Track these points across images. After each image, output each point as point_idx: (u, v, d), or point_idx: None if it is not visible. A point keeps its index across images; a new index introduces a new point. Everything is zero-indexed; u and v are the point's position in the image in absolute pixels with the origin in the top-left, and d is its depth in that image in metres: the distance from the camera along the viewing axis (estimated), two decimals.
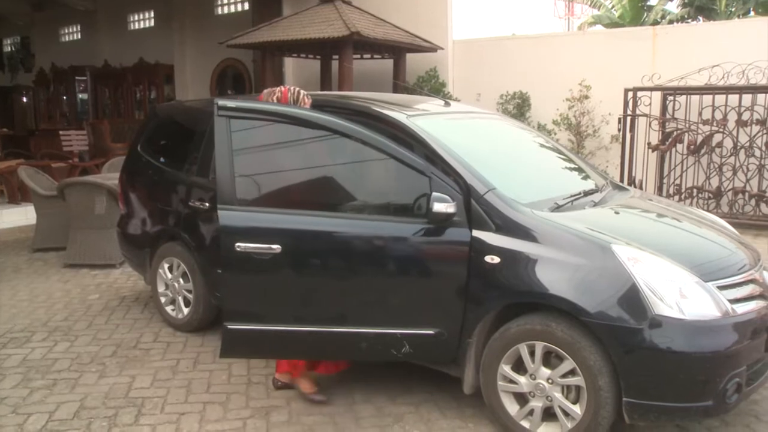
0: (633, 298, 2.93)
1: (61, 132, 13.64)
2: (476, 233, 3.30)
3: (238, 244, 3.30)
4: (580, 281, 3.05)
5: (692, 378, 2.91)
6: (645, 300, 2.91)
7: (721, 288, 3.07)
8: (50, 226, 7.27)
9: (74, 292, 5.91)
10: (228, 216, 3.34)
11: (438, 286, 3.41)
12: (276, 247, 3.32)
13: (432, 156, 3.49)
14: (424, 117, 3.95)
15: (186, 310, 4.82)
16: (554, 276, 3.11)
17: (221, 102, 3.44)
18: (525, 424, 3.26)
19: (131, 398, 3.80)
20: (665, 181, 9.01)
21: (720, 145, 8.41)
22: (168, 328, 4.94)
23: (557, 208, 3.46)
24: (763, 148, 8.14)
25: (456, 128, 4.14)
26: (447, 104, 4.56)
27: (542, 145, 4.62)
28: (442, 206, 3.23)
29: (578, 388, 3.08)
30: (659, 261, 3.06)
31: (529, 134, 4.79)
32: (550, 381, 3.15)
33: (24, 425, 3.48)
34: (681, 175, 8.83)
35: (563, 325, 3.05)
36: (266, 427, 3.47)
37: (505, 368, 3.26)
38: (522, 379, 3.23)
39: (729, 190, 8.48)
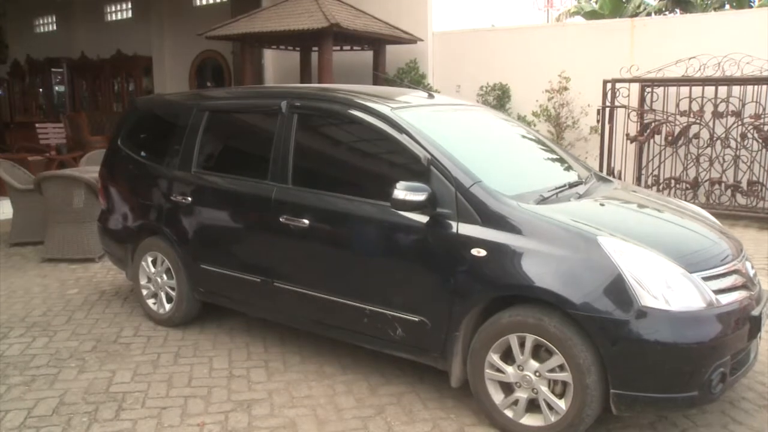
0: (619, 290, 2.94)
1: (37, 125, 13.48)
2: (462, 226, 3.31)
3: (282, 216, 3.91)
4: (567, 273, 3.05)
5: (678, 369, 2.93)
6: (631, 291, 2.92)
7: (706, 279, 3.08)
8: (27, 221, 7.18)
9: (53, 286, 5.85)
10: (280, 192, 4.00)
11: (423, 277, 3.46)
12: (305, 222, 3.83)
13: (417, 149, 3.52)
14: (409, 109, 3.95)
15: (168, 306, 4.78)
16: (540, 268, 3.11)
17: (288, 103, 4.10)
18: (509, 413, 3.28)
19: (111, 393, 3.78)
20: (644, 171, 9.11)
21: (697, 136, 8.51)
22: (148, 322, 4.91)
23: (543, 200, 3.46)
24: (739, 140, 8.25)
25: (440, 120, 4.14)
26: (431, 96, 4.54)
27: (526, 137, 4.61)
28: (401, 194, 3.30)
29: (565, 383, 3.09)
30: (645, 252, 3.06)
31: (513, 126, 4.78)
32: (537, 374, 3.15)
33: (1, 422, 3.45)
34: (659, 166, 8.92)
35: (556, 321, 3.05)
36: (248, 420, 3.48)
37: (494, 357, 3.26)
38: (509, 369, 3.23)
39: (706, 181, 8.59)
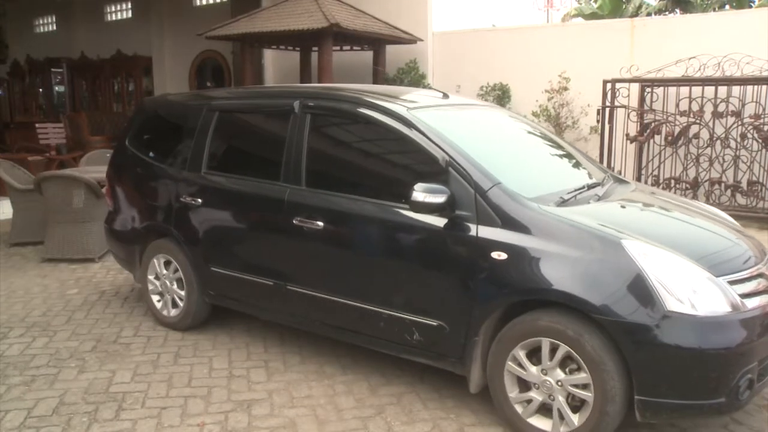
0: (644, 294, 2.88)
1: (37, 125, 13.49)
2: (482, 228, 3.25)
3: (295, 218, 3.82)
4: (590, 277, 2.99)
5: (705, 375, 2.86)
6: (656, 296, 2.86)
7: (732, 283, 3.02)
8: (27, 221, 7.19)
9: (53, 286, 5.85)
10: (293, 193, 3.94)
11: (441, 280, 3.41)
12: (320, 224, 3.78)
13: (434, 150, 3.47)
14: (425, 109, 3.87)
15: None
16: (563, 272, 3.04)
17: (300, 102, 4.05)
18: (518, 408, 3.24)
19: (111, 393, 3.78)
20: (643, 171, 9.10)
21: (697, 136, 8.50)
22: (148, 321, 4.91)
23: (563, 202, 3.40)
24: (739, 140, 8.25)
25: (456, 120, 4.08)
26: (445, 96, 4.41)
27: (541, 137, 4.54)
28: (420, 195, 3.24)
29: (584, 400, 3.04)
30: (670, 256, 3.00)
31: (526, 126, 4.68)
32: (559, 383, 3.09)
33: (1, 422, 3.45)
34: (659, 166, 8.92)
35: (595, 342, 2.95)
36: (248, 420, 3.48)
37: (520, 352, 3.19)
38: (533, 369, 3.17)
39: (706, 181, 8.58)
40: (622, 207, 3.73)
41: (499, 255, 3.18)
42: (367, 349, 3.97)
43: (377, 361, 4.10)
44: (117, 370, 4.10)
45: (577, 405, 3.09)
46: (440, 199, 3.24)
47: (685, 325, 2.85)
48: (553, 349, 3.09)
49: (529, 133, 4.56)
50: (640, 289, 2.90)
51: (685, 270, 2.98)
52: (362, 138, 4.12)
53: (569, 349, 3.03)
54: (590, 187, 3.81)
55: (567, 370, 3.09)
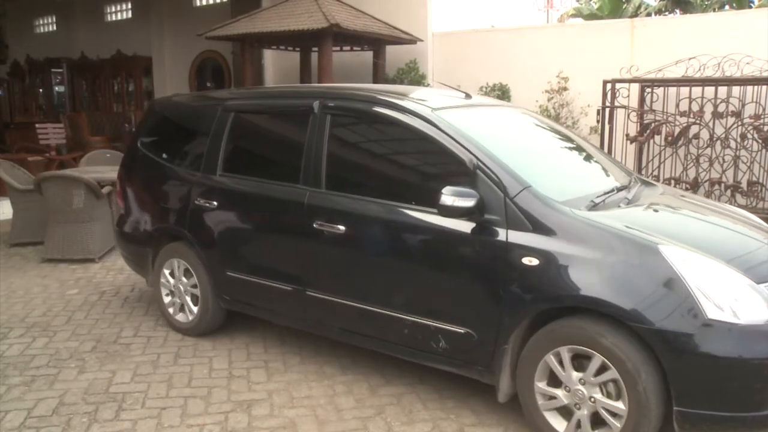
0: (684, 302, 2.79)
1: (37, 125, 13.49)
2: (512, 233, 3.16)
3: (315, 221, 3.75)
4: (627, 284, 2.90)
5: (748, 386, 2.77)
6: (697, 303, 2.77)
7: None
8: (27, 221, 7.19)
9: (53, 287, 5.85)
10: (313, 196, 3.86)
11: (469, 286, 3.33)
12: (341, 228, 3.69)
13: (461, 152, 3.39)
14: (449, 110, 3.77)
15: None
16: (598, 279, 2.95)
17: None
18: (539, 400, 3.17)
19: (111, 393, 3.78)
20: (643, 172, 9.09)
21: (697, 136, 8.48)
22: (148, 322, 4.92)
23: (594, 206, 3.30)
24: (739, 140, 8.24)
25: (481, 121, 3.99)
26: (468, 96, 4.26)
27: (565, 138, 4.44)
28: (449, 199, 3.16)
29: (609, 422, 2.98)
30: (710, 262, 2.91)
31: (549, 126, 4.57)
32: (592, 400, 3.01)
33: (1, 422, 3.45)
34: (659, 167, 8.91)
35: (650, 384, 2.84)
36: (248, 421, 3.48)
37: (566, 354, 3.07)
38: (573, 373, 3.06)
39: (706, 181, 8.57)
40: (655, 211, 3.65)
41: (530, 261, 3.09)
42: (367, 350, 3.97)
43: (377, 362, 4.10)
44: (117, 370, 4.10)
45: (599, 424, 3.03)
46: (469, 202, 3.15)
47: (726, 334, 2.76)
48: (602, 368, 2.98)
49: (552, 133, 4.47)
50: (679, 297, 2.81)
51: (726, 276, 2.89)
52: (384, 139, 4.02)
53: (620, 378, 2.91)
54: (619, 189, 3.75)
55: (604, 387, 3.00)
